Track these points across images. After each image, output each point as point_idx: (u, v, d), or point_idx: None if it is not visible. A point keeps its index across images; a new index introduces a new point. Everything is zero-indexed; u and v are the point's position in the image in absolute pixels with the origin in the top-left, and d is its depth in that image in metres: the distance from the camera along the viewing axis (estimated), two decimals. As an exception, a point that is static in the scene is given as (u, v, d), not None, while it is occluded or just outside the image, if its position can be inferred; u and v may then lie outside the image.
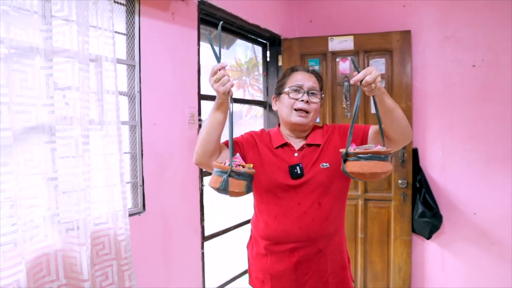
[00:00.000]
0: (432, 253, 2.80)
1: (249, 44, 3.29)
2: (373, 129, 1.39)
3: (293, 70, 1.48)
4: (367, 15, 2.90)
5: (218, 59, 1.18)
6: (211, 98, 2.23)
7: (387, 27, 2.78)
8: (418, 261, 2.82)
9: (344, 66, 2.83)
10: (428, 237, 2.72)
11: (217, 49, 1.17)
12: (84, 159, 1.35)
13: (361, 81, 1.15)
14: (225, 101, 1.23)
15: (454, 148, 2.72)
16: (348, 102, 2.79)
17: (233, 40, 2.97)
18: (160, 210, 1.87)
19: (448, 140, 2.74)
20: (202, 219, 2.14)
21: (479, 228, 2.66)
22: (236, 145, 1.40)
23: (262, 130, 1.53)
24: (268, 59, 3.03)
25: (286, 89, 1.42)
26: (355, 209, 2.82)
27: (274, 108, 1.51)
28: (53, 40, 1.29)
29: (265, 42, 2.97)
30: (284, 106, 1.43)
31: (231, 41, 2.95)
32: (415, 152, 2.75)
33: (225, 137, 1.37)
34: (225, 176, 1.17)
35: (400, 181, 2.71)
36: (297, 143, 1.45)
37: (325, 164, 1.39)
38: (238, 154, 1.27)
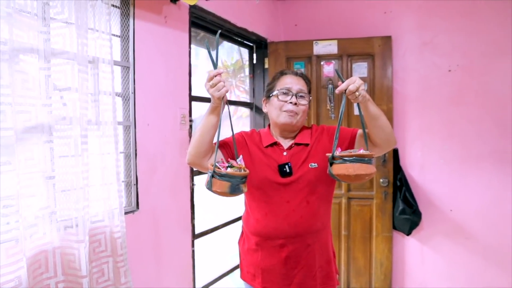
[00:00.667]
0: (411, 249, 2.91)
1: (235, 47, 3.34)
2: (360, 133, 1.44)
3: (282, 73, 1.53)
4: (351, 20, 3.00)
5: (215, 65, 1.22)
6: (201, 99, 2.28)
7: (369, 32, 2.89)
8: (398, 257, 2.93)
9: (328, 69, 2.92)
10: (408, 233, 2.83)
11: (213, 54, 1.22)
12: (82, 158, 1.37)
13: (345, 90, 1.23)
14: (219, 105, 1.27)
15: (432, 148, 2.84)
16: (332, 104, 2.88)
17: (220, 43, 3.01)
18: (153, 208, 1.90)
19: (427, 140, 2.85)
20: (192, 218, 2.18)
21: (455, 224, 2.79)
22: (226, 145, 1.44)
23: (253, 130, 1.57)
24: (254, 62, 3.08)
25: (275, 92, 1.47)
26: (338, 207, 2.90)
27: (265, 110, 1.55)
28: (52, 42, 1.31)
29: (252, 45, 3.02)
30: (273, 108, 1.47)
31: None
32: (395, 152, 2.85)
33: (224, 137, 1.43)
34: (209, 176, 1.23)
35: (381, 180, 2.82)
36: (286, 143, 1.50)
37: (313, 164, 1.44)
38: (241, 157, 1.31)
